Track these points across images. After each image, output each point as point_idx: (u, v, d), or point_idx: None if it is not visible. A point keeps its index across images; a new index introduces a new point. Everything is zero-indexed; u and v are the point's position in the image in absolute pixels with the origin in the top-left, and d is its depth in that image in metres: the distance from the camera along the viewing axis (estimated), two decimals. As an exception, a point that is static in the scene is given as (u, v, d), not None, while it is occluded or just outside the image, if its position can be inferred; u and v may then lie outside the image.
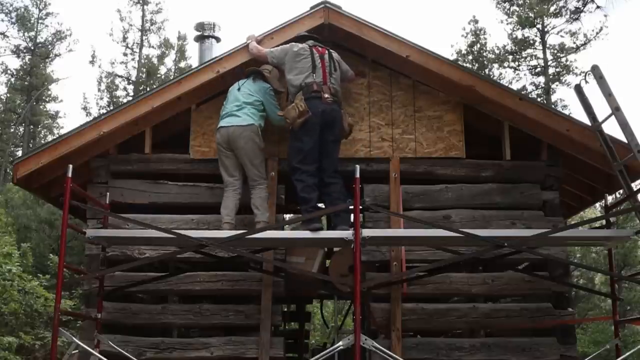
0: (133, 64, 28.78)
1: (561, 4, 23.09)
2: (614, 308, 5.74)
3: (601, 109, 5.46)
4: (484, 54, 28.35)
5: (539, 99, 23.64)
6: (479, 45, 28.49)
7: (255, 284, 5.84)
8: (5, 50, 32.63)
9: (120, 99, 27.22)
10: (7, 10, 30.04)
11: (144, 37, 28.95)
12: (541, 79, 26.54)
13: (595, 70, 5.28)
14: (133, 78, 28.47)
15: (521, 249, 5.40)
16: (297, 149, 5.54)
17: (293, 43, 5.88)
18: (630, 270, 18.90)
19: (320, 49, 5.82)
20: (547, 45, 26.41)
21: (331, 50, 5.88)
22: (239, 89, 5.85)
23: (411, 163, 6.11)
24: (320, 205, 5.80)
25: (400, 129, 6.18)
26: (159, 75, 28.28)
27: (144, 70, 28.36)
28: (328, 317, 15.10)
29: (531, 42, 26.70)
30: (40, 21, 30.56)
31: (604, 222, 5.72)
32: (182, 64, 29.06)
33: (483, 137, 6.44)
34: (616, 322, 5.70)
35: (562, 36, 26.22)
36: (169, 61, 29.47)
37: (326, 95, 5.55)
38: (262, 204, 5.63)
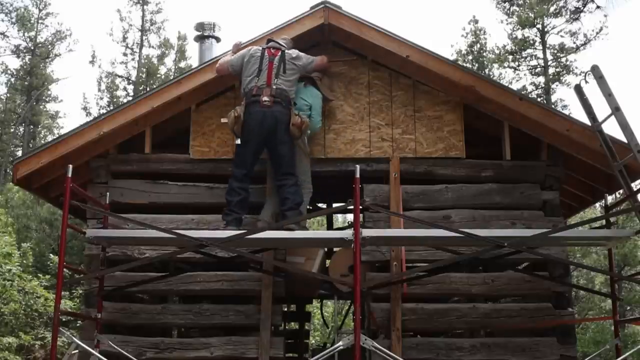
0: (133, 64, 28.82)
1: (561, 4, 23.17)
2: (614, 308, 5.73)
3: (601, 109, 5.47)
4: (484, 54, 28.38)
5: (539, 99, 23.65)
6: (479, 45, 28.53)
7: (255, 284, 5.84)
8: (5, 50, 32.66)
9: (120, 99, 27.22)
10: (7, 10, 30.08)
11: (144, 37, 28.97)
12: (541, 79, 26.55)
13: (595, 70, 5.28)
14: (133, 78, 28.48)
15: (521, 249, 5.39)
16: (236, 153, 5.65)
17: (251, 47, 5.85)
18: (630, 270, 18.90)
19: (273, 50, 5.73)
20: (547, 45, 26.42)
21: (287, 51, 5.75)
22: None
23: (411, 163, 6.11)
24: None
25: (400, 129, 6.18)
26: (159, 75, 28.29)
27: (144, 70, 28.36)
28: (328, 317, 15.11)
29: (531, 42, 26.71)
30: (40, 21, 30.57)
31: (604, 222, 5.72)
32: (182, 64, 29.07)
33: (483, 137, 6.44)
34: (616, 322, 5.70)
35: (562, 36, 26.26)
36: (169, 61, 29.52)
37: (264, 99, 5.47)
38: (302, 209, 5.71)
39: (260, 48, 5.76)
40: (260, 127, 5.46)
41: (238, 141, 5.55)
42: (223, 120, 5.85)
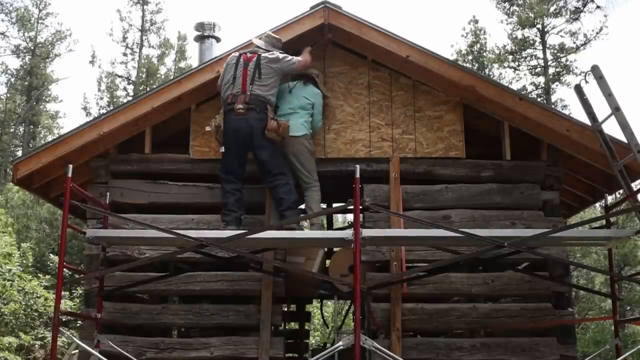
0: (133, 64, 28.85)
1: (561, 4, 23.23)
2: (614, 308, 5.74)
3: (601, 109, 5.47)
4: (484, 54, 28.39)
5: (539, 99, 23.66)
6: (479, 45, 28.54)
7: (255, 284, 5.84)
8: (5, 50, 32.72)
9: (120, 99, 27.24)
10: (7, 10, 30.09)
11: (144, 37, 28.99)
12: (541, 79, 26.56)
13: (595, 70, 5.28)
14: (133, 78, 28.49)
15: (521, 249, 5.39)
16: (222, 160, 5.70)
17: (231, 55, 5.89)
18: (630, 270, 18.91)
19: (249, 55, 5.74)
20: (547, 45, 26.43)
21: (263, 54, 5.73)
22: (290, 92, 5.92)
23: (411, 163, 6.11)
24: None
25: (400, 129, 6.18)
26: (159, 75, 28.32)
27: (144, 70, 28.37)
28: (328, 317, 15.12)
29: (531, 42, 26.72)
30: (40, 21, 30.60)
31: (604, 222, 5.71)
32: (182, 64, 29.10)
33: (483, 137, 6.44)
34: (616, 322, 5.70)
35: (562, 36, 26.30)
36: (169, 61, 29.56)
37: (239, 107, 5.50)
38: (316, 206, 5.75)
39: (237, 55, 5.79)
40: (237, 136, 5.52)
41: (222, 149, 5.62)
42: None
